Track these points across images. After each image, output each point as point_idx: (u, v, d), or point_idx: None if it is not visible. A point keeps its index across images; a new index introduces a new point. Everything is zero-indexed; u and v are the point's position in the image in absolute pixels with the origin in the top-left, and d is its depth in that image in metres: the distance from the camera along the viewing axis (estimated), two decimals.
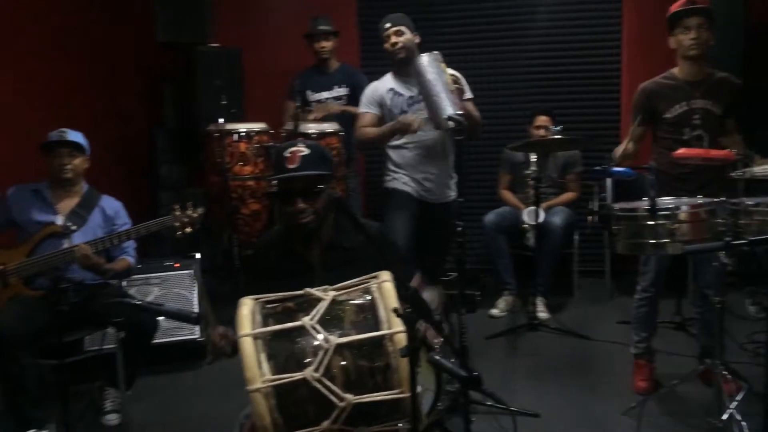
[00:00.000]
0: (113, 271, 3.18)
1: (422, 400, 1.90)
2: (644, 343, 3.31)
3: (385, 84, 3.57)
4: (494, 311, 4.55)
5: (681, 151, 2.91)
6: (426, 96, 3.17)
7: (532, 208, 4.19)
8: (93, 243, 3.04)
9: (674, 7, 3.03)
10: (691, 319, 3.83)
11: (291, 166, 2.07)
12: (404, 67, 3.47)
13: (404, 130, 3.39)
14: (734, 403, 2.54)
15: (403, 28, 3.47)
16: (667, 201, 2.74)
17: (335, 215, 2.18)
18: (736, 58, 4.35)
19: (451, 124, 3.03)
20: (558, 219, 4.46)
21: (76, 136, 3.21)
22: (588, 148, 4.79)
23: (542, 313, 4.37)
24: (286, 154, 2.10)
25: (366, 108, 3.59)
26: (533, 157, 4.19)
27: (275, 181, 2.13)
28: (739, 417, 2.50)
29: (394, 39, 3.47)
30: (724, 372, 2.59)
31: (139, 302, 2.07)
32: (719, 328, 2.60)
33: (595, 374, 3.56)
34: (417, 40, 3.53)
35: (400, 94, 3.52)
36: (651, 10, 4.54)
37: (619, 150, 3.18)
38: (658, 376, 3.31)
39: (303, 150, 2.10)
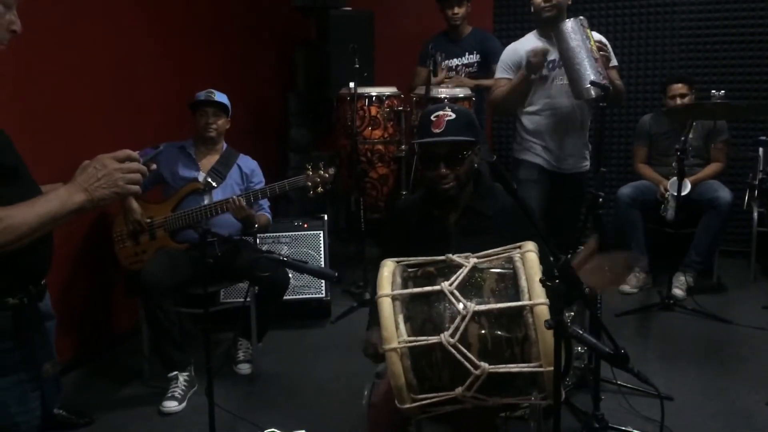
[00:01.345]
0: (259, 224, 3.30)
1: None
2: None
3: (526, 44, 3.37)
4: (625, 287, 4.33)
5: None
6: (567, 63, 3.02)
7: (675, 179, 3.90)
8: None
9: None
10: None
11: (436, 131, 2.02)
12: (550, 27, 3.25)
13: (534, 68, 3.18)
14: None
15: None
16: None
17: (474, 181, 2.14)
18: None
19: (592, 94, 2.89)
20: (726, 193, 4.09)
21: (222, 97, 3.33)
22: (742, 117, 4.42)
23: (678, 291, 4.12)
24: (432, 117, 2.05)
25: (502, 73, 3.45)
26: (696, 124, 3.68)
27: (418, 145, 2.09)
28: None
29: None
30: None
31: (285, 258, 2.10)
32: None
33: (737, 361, 3.34)
34: (569, 0, 3.31)
35: None
36: None
37: None
38: None
39: (449, 114, 2.04)
